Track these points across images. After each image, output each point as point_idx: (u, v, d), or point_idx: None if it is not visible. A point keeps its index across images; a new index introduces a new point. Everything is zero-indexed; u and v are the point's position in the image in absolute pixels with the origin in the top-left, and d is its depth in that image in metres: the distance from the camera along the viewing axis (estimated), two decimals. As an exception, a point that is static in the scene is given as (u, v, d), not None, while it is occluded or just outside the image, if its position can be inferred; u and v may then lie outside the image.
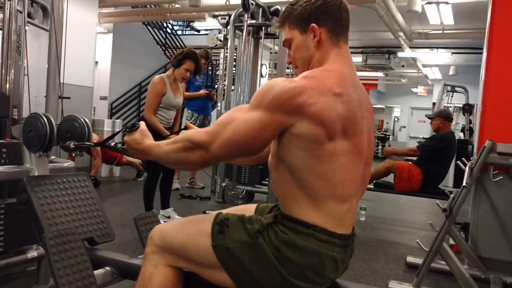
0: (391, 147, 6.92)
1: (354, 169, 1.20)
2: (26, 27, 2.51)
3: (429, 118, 4.53)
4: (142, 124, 1.37)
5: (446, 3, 6.97)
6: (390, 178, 4.30)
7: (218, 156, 1.20)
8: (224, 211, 1.42)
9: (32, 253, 2.25)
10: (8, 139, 2.25)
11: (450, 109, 9.99)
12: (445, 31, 8.43)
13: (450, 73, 12.06)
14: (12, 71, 2.41)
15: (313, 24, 1.24)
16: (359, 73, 1.24)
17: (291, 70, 5.51)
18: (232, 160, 1.45)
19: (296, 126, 1.13)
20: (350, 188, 1.20)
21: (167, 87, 3.65)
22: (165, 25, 10.70)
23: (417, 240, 2.91)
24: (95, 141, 1.65)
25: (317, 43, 1.24)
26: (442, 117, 4.35)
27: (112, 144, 1.57)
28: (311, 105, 1.11)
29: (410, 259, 3.32)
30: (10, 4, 2.40)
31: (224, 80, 5.33)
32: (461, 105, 8.86)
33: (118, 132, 1.46)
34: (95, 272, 1.50)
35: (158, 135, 3.62)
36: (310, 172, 1.15)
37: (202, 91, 5.65)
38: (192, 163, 1.22)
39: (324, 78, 1.16)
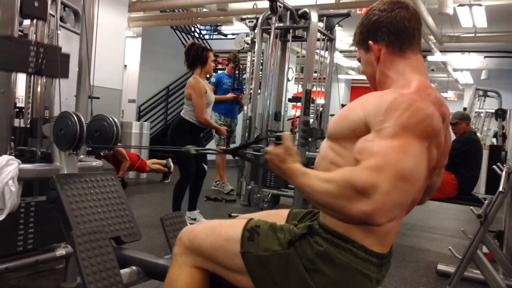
0: None
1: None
2: (59, 31, 2.55)
3: (451, 124, 4.41)
4: (288, 138, 1.19)
5: (479, 5, 6.80)
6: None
7: (385, 207, 0.95)
8: (255, 215, 1.39)
9: (61, 251, 2.27)
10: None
11: (482, 114, 9.75)
12: (477, 34, 8.22)
13: (482, 77, 11.77)
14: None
15: (370, 42, 1.23)
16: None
17: (318, 74, 5.46)
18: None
19: None
20: (399, 211, 1.07)
21: (205, 86, 3.69)
22: (193, 29, 10.79)
23: (450, 247, 2.82)
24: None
25: (377, 59, 1.22)
26: (466, 119, 4.33)
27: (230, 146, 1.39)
28: (439, 132, 1.07)
29: (441, 267, 3.21)
30: (43, 8, 2.45)
31: (251, 84, 5.32)
32: (494, 110, 8.63)
33: (254, 141, 1.31)
34: (122, 271, 1.50)
35: (199, 130, 3.65)
36: None
37: (230, 95, 5.67)
38: (350, 217, 0.99)
39: (429, 97, 1.11)
